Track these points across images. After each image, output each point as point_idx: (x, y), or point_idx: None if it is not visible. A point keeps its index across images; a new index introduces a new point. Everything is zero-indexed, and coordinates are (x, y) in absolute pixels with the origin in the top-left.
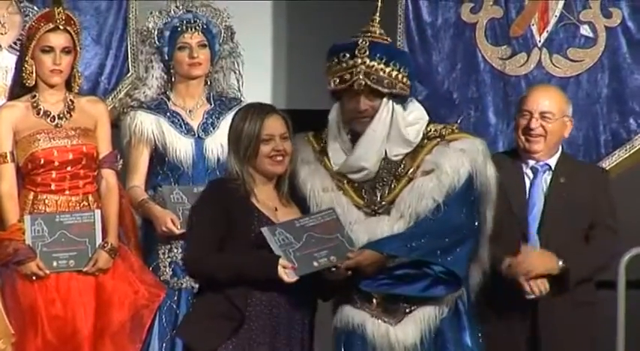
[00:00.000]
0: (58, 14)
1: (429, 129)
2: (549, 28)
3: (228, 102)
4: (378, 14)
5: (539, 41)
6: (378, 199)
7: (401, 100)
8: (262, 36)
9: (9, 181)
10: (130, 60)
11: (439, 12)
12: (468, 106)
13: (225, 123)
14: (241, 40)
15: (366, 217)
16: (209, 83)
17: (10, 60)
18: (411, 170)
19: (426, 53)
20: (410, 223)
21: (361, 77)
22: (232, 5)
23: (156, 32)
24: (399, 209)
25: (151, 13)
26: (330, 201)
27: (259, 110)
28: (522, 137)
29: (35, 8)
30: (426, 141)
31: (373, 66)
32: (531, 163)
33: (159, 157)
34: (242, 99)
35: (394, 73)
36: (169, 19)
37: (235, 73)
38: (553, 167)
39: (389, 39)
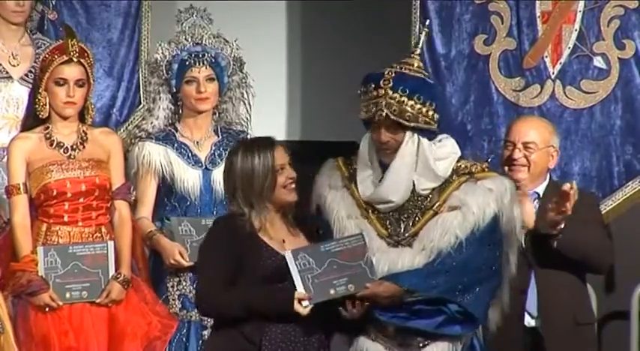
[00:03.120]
0: (72, 46)
1: (459, 165)
2: (563, 59)
3: (236, 134)
4: (419, 47)
5: (553, 73)
6: (402, 230)
7: (428, 133)
8: (277, 66)
9: (22, 212)
10: (141, 92)
11: (453, 44)
12: (481, 137)
13: None
14: (255, 71)
15: (388, 247)
16: (217, 114)
17: (21, 92)
18: (437, 204)
19: (440, 85)
20: (431, 258)
21: (383, 109)
22: (246, 35)
23: (164, 64)
24: (421, 242)
25: (160, 44)
26: (354, 228)
27: (264, 143)
28: (506, 168)
29: (48, 40)
30: (455, 177)
31: (395, 97)
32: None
33: (166, 189)
34: (249, 131)
35: (418, 107)
36: (178, 52)
37: (244, 103)
38: (542, 195)
39: (425, 73)
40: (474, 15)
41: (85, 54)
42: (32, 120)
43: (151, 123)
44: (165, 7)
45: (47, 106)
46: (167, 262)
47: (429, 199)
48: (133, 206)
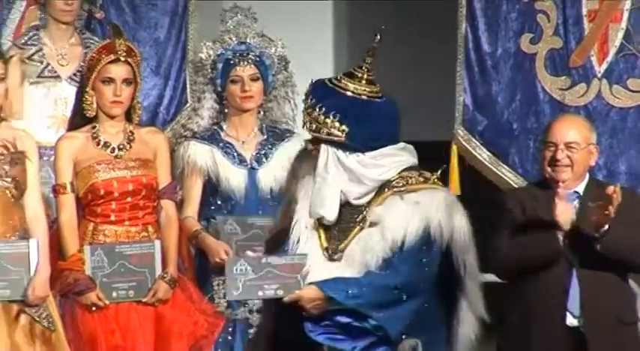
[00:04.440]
0: (119, 45)
1: (400, 175)
2: (609, 58)
3: (282, 133)
4: (369, 58)
5: (599, 72)
6: (338, 244)
7: (341, 145)
8: (323, 65)
9: (69, 211)
10: (188, 91)
11: (499, 43)
12: (527, 136)
13: (279, 154)
14: (301, 69)
15: (325, 261)
16: (262, 113)
17: (69, 91)
18: (361, 219)
19: (486, 84)
20: (360, 273)
21: (304, 121)
22: (292, 34)
23: (209, 63)
24: (347, 258)
25: (205, 43)
26: (305, 239)
27: None
28: (549, 168)
29: (96, 39)
30: (386, 189)
31: (309, 110)
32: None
33: (212, 188)
34: (295, 129)
35: (321, 118)
36: (223, 51)
37: (290, 102)
38: (582, 194)
39: (366, 89)
40: (521, 14)
41: (133, 53)
42: (79, 119)
43: (197, 122)
44: (211, 6)
45: (94, 106)
46: (212, 261)
47: (362, 212)
48: (179, 205)
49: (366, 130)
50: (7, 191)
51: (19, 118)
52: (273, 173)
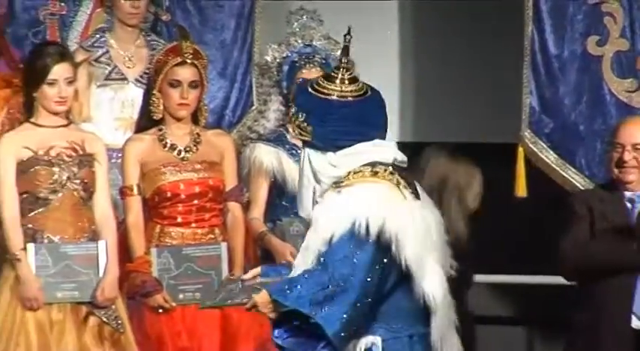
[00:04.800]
0: (186, 48)
1: (351, 171)
2: None
3: None
4: (344, 57)
5: None
6: None
7: (312, 145)
8: (389, 67)
9: (136, 213)
10: (254, 93)
11: (565, 45)
12: (594, 138)
13: None
14: (367, 71)
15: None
16: None
17: (136, 93)
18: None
19: (553, 86)
20: (301, 272)
21: None
22: (357, 36)
23: (275, 66)
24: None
25: (270, 46)
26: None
27: None
28: (615, 170)
29: (162, 42)
30: (333, 185)
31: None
32: (628, 194)
33: (278, 189)
34: None
35: (293, 118)
36: (288, 53)
37: None
38: None
39: (351, 89)
40: (587, 16)
41: (199, 55)
42: (146, 121)
43: (263, 124)
44: (276, 8)
45: (161, 108)
46: (278, 262)
47: None
48: (245, 207)
49: (330, 129)
50: (76, 193)
51: (87, 121)
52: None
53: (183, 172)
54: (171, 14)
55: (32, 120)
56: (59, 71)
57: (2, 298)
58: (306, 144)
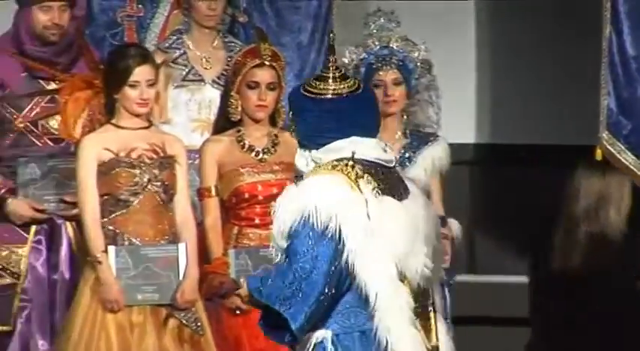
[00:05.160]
0: (264, 50)
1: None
2: None
3: (425, 136)
4: (331, 56)
5: None
6: None
7: (299, 144)
8: (465, 68)
9: (213, 214)
10: None
11: None
12: None
13: (422, 157)
14: (443, 72)
15: None
16: (406, 117)
17: (213, 94)
18: None
19: (630, 86)
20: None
21: None
22: (433, 36)
23: (352, 67)
24: None
25: (348, 48)
26: None
27: None
28: None
29: (239, 43)
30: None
31: None
32: None
33: None
34: (439, 132)
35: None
36: (366, 55)
37: (433, 106)
38: None
39: (344, 85)
40: None
41: (277, 57)
42: (224, 123)
43: None
44: (354, 9)
45: (239, 109)
46: None
47: None
48: None
49: (307, 126)
50: (157, 195)
51: (166, 123)
52: (416, 176)
53: (261, 173)
54: (248, 16)
55: (113, 121)
56: (141, 73)
57: (83, 300)
58: (298, 144)
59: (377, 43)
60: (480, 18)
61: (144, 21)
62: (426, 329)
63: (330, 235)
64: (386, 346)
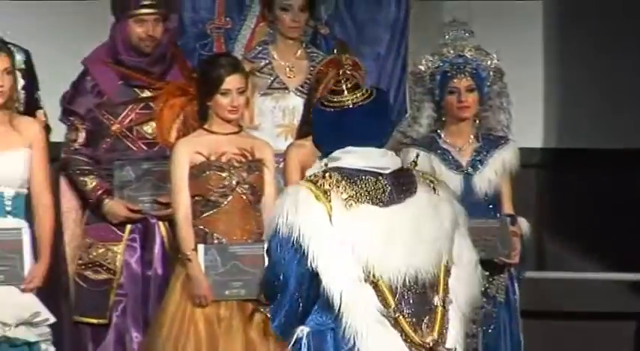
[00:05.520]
0: (346, 60)
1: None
2: None
3: (496, 140)
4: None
5: None
6: None
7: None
8: (533, 71)
9: None
10: (407, 101)
11: None
12: None
13: (493, 160)
14: (513, 79)
15: None
16: (478, 122)
17: (297, 101)
18: None
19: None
20: None
21: None
22: (504, 45)
23: (428, 75)
24: None
25: (425, 56)
26: None
27: None
28: None
29: (321, 54)
30: None
31: None
32: None
33: None
34: (510, 137)
35: None
36: (441, 63)
37: (504, 111)
38: None
39: (358, 95)
40: None
41: (358, 67)
42: (307, 128)
43: (416, 130)
44: (427, 18)
45: None
46: None
47: None
48: None
49: (317, 137)
50: (245, 197)
51: (254, 128)
52: (487, 178)
53: None
54: (329, 28)
55: (205, 127)
56: (232, 82)
57: (174, 295)
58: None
59: (452, 51)
60: (548, 22)
61: (232, 32)
62: (427, 325)
63: (292, 242)
64: (354, 344)
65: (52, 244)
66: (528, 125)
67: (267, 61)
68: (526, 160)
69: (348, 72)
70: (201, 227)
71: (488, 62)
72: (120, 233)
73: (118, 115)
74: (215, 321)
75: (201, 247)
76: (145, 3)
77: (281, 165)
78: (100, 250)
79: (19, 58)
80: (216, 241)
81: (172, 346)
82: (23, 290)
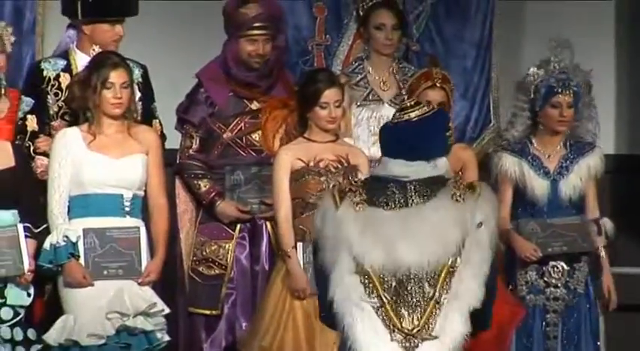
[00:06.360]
0: (436, 74)
1: None
2: None
3: (582, 147)
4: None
5: None
6: None
7: None
8: (606, 82)
9: None
10: (491, 112)
11: None
12: None
13: (578, 166)
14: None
15: None
16: (569, 131)
17: (390, 112)
18: None
19: None
20: None
21: None
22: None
23: (533, 86)
24: None
25: (531, 68)
26: None
27: None
28: None
29: (412, 68)
30: None
31: None
32: None
33: (519, 194)
34: (597, 144)
35: None
36: (547, 77)
37: (592, 121)
38: None
39: (420, 109)
40: None
41: (447, 80)
42: None
43: (512, 133)
44: (508, 38)
45: None
46: (521, 256)
47: None
48: None
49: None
50: None
51: (349, 136)
52: (572, 184)
53: None
54: (419, 45)
55: (305, 135)
56: (330, 95)
57: (274, 288)
58: None
59: (557, 66)
60: (620, 34)
61: (331, 49)
62: (417, 317)
63: (315, 238)
64: (343, 329)
65: (166, 242)
66: (602, 133)
67: (362, 75)
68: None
69: (438, 85)
70: (301, 227)
71: (583, 78)
72: (231, 232)
73: (228, 125)
74: (312, 314)
75: (299, 244)
76: (257, 25)
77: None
78: (213, 248)
79: (137, 72)
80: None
81: (272, 335)
82: (140, 284)
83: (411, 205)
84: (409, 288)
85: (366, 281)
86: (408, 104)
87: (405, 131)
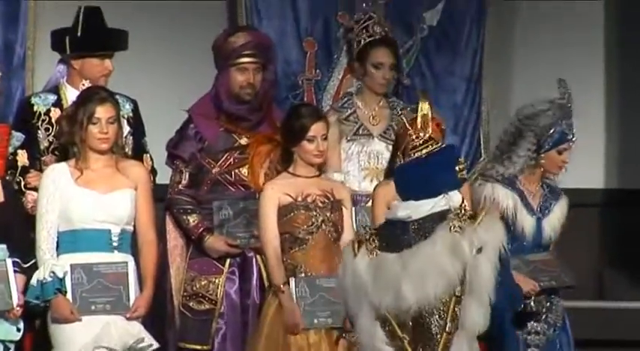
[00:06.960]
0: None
1: None
2: None
3: (554, 190)
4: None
5: None
6: None
7: None
8: (595, 117)
9: None
10: (482, 146)
11: None
12: None
13: (558, 208)
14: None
15: None
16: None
17: (380, 146)
18: None
19: None
20: None
21: None
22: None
23: (541, 126)
24: None
25: (536, 105)
26: None
27: None
28: None
29: (401, 102)
30: None
31: None
32: None
33: (506, 228)
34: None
35: None
36: (557, 121)
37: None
38: None
39: (427, 144)
40: None
41: (440, 127)
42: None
43: (509, 171)
44: (498, 73)
45: None
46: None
47: None
48: None
49: None
50: (329, 234)
51: (337, 171)
52: (553, 224)
53: None
54: (410, 79)
55: (290, 170)
56: (317, 129)
57: (268, 320)
58: None
59: (562, 111)
60: (610, 66)
61: (321, 84)
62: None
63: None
64: None
65: (155, 276)
66: (591, 168)
67: (352, 110)
68: (589, 200)
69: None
70: (290, 262)
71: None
72: (221, 267)
73: (218, 160)
74: (305, 347)
75: (292, 280)
76: (246, 52)
77: (368, 204)
78: (203, 283)
79: (127, 107)
80: (303, 275)
81: None
82: (128, 318)
83: (413, 244)
84: (424, 324)
85: (386, 326)
86: (417, 143)
87: (415, 170)
